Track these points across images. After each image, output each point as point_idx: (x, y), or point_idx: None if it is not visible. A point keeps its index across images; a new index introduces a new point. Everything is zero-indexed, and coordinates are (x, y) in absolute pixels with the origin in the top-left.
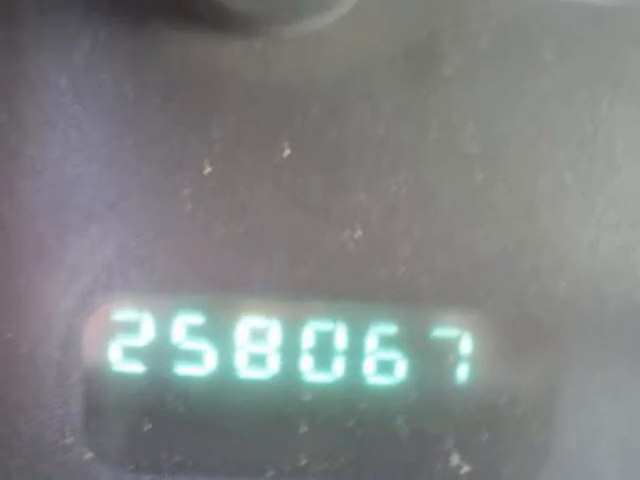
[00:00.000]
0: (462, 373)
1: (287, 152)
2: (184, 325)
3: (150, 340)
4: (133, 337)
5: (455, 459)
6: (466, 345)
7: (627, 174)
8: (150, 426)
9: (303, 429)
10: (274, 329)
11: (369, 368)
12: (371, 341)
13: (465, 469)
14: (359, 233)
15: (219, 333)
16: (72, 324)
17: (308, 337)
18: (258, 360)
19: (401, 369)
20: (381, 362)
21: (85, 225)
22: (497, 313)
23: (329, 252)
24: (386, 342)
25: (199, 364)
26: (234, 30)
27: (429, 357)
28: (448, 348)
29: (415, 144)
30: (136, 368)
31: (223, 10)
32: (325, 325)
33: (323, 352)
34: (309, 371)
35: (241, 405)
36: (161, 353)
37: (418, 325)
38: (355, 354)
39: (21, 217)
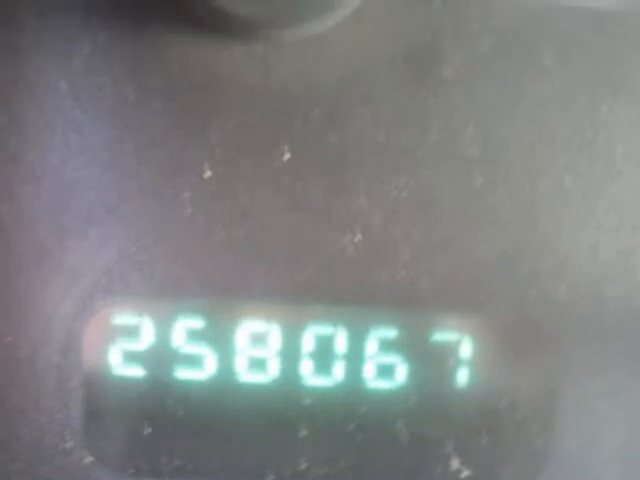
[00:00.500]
0: (462, 377)
1: (287, 156)
2: (184, 329)
3: (150, 344)
4: (133, 341)
5: (455, 463)
6: (466, 349)
7: (627, 178)
8: (150, 430)
9: (303, 433)
10: (274, 333)
11: (369, 372)
12: (371, 345)
13: (465, 473)
14: (359, 237)
15: (219, 337)
16: (72, 328)
17: (308, 341)
18: (258, 364)
19: (401, 373)
20: (381, 366)
21: (85, 229)
22: (497, 317)
23: (329, 256)
24: (386, 346)
25: (199, 368)
26: (234, 34)
27: (429, 361)
28: (448, 352)
29: (415, 148)
30: (136, 372)
31: (223, 14)
32: (325, 329)
33: (323, 356)
34: (309, 375)
35: (241, 409)
36: (161, 357)
37: (418, 329)
38: (355, 358)
39: (21, 221)
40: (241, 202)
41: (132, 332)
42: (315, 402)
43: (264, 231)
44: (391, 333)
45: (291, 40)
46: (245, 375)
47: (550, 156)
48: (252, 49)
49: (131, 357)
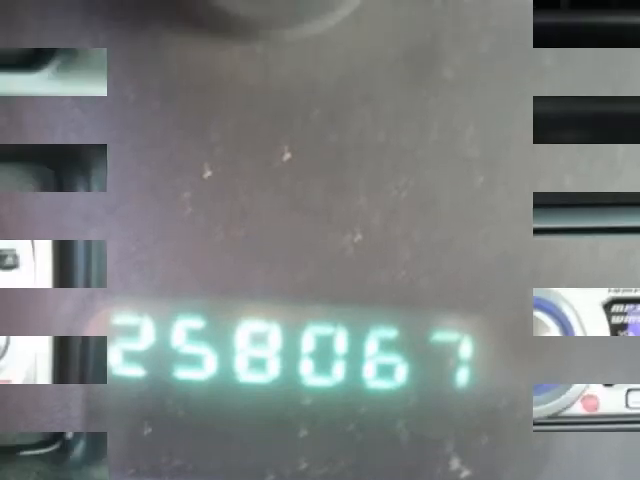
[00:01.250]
0: (462, 377)
1: (287, 156)
2: (184, 329)
3: (150, 344)
4: (133, 341)
5: (455, 463)
6: (466, 349)
7: (627, 178)
8: (150, 430)
9: (303, 433)
10: (274, 333)
11: (369, 372)
12: (371, 345)
13: (465, 473)
14: (359, 237)
15: (219, 337)
16: (72, 328)
17: (308, 341)
18: (258, 364)
19: (401, 373)
20: (381, 366)
21: (85, 229)
22: (497, 317)
23: (329, 256)
24: (386, 346)
25: (199, 368)
26: (234, 34)
27: (429, 361)
28: (448, 352)
29: (415, 148)
30: (136, 372)
31: (223, 14)
32: (325, 329)
33: (323, 356)
34: (309, 375)
35: (241, 409)
36: (161, 357)
37: (418, 329)
38: (355, 358)
39: (21, 220)
40: (241, 202)
41: (132, 332)
42: (315, 402)
43: (264, 231)
44: (391, 333)
45: (291, 40)
46: (245, 375)
47: (550, 156)
48: (252, 49)
49: (131, 357)
